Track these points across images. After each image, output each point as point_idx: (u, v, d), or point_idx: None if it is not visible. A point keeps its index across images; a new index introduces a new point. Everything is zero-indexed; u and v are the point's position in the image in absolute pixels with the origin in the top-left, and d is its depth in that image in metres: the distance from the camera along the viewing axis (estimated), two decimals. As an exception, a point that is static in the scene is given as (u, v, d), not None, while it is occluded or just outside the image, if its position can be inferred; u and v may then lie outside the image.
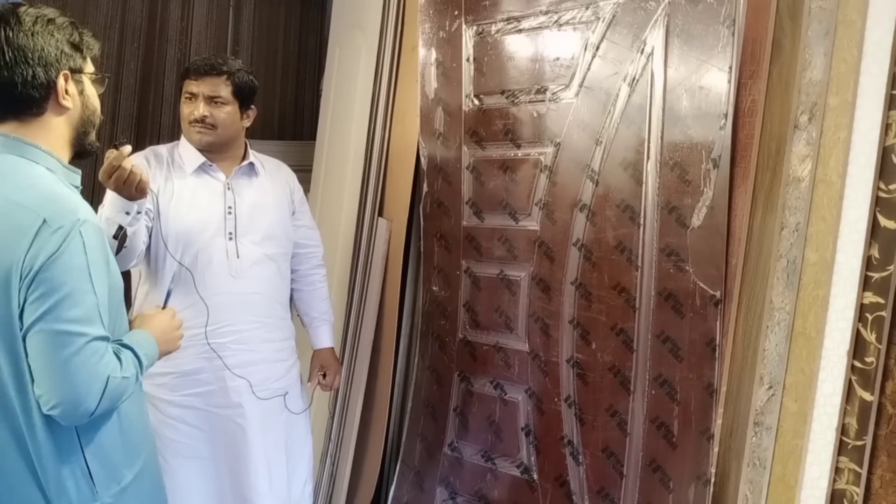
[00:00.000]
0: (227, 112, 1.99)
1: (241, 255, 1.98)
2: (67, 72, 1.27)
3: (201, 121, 1.97)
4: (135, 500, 1.35)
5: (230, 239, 1.98)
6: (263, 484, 2.03)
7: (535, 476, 2.07)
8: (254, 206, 2.03)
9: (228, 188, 2.02)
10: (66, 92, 1.28)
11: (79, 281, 1.18)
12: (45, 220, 1.17)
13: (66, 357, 1.16)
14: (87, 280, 1.19)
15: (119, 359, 1.25)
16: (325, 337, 2.26)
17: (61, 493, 1.23)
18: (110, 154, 1.61)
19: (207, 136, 1.98)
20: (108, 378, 1.20)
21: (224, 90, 1.98)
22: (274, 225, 2.08)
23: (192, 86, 1.99)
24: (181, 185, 1.98)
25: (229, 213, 1.99)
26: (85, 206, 1.25)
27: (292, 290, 2.20)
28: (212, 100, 1.97)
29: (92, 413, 1.19)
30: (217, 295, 1.95)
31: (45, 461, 1.22)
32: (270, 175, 2.13)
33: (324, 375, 2.25)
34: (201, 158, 1.99)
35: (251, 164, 2.08)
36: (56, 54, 1.26)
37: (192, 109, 1.98)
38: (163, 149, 2.05)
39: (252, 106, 2.06)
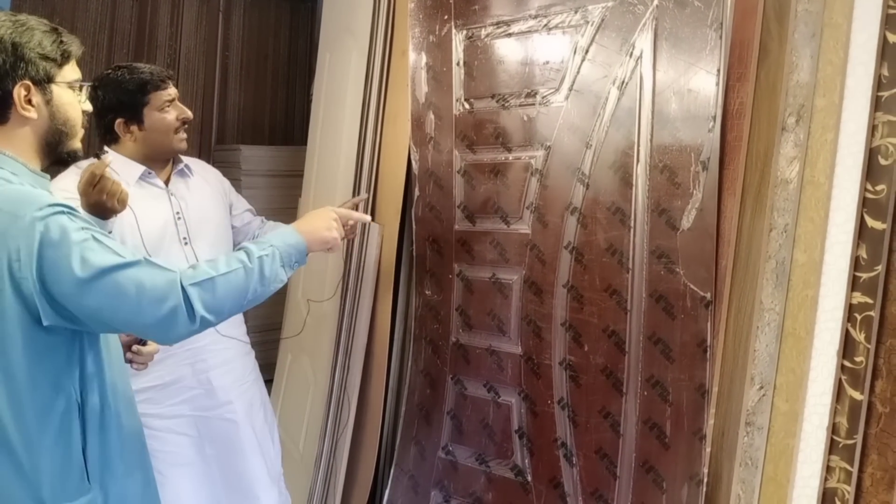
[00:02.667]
0: None
1: (199, 257, 1.99)
2: (28, 82, 1.25)
3: (187, 122, 2.00)
4: (125, 492, 1.36)
5: (185, 244, 1.99)
6: (260, 468, 2.10)
7: (529, 478, 2.08)
8: (199, 208, 2.05)
9: (171, 194, 2.02)
10: (30, 102, 1.26)
11: (76, 242, 1.19)
12: (15, 216, 1.17)
13: (118, 292, 1.21)
14: (84, 238, 1.20)
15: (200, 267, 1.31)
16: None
17: (48, 484, 1.24)
18: (90, 164, 1.59)
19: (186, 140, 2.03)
20: (178, 284, 1.24)
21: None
22: (220, 224, 2.13)
23: (168, 93, 1.99)
24: None
25: (178, 218, 2.00)
26: (57, 199, 1.24)
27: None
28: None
29: (199, 322, 1.25)
30: None
31: (36, 454, 1.22)
32: (201, 175, 2.15)
33: None
34: (140, 168, 1.97)
35: (185, 166, 2.09)
36: (11, 65, 1.24)
37: (178, 113, 1.99)
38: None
39: None
